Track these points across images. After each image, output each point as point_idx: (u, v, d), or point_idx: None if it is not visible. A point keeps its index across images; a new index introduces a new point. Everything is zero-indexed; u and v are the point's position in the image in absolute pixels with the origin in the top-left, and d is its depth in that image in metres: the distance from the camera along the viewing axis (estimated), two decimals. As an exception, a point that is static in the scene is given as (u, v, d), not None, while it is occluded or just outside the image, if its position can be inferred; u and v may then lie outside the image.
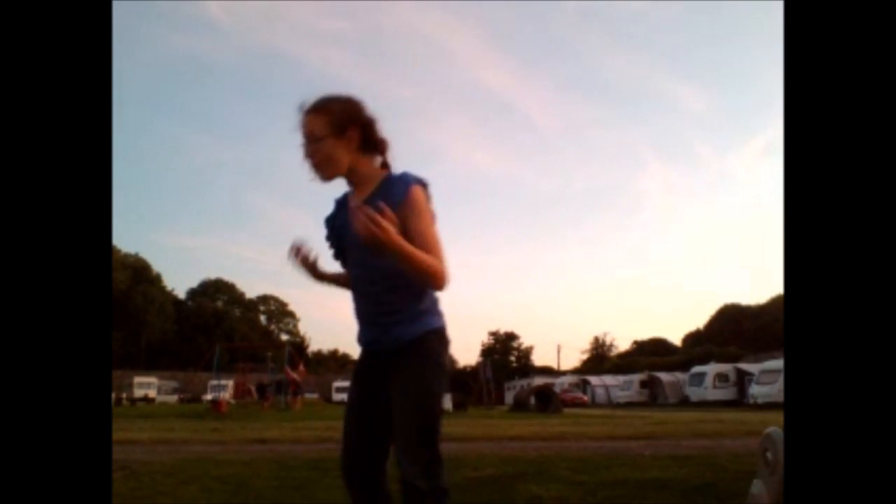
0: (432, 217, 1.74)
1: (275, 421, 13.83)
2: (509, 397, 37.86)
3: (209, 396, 31.68)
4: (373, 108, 1.84)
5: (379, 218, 1.54)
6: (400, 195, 1.73)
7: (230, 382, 36.97)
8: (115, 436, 6.97)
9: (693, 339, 68.24)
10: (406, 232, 1.65)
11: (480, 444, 8.21)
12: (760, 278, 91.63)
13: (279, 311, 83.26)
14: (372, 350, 1.91)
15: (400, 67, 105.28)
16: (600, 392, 44.00)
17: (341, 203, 1.98)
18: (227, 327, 71.92)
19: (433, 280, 1.68)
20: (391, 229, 1.55)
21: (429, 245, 1.66)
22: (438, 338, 1.83)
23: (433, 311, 1.84)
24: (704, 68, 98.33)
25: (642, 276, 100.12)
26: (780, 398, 22.82)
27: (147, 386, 47.97)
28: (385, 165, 1.88)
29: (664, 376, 40.63)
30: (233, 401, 27.25)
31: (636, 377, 42.06)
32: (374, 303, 1.84)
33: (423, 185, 1.77)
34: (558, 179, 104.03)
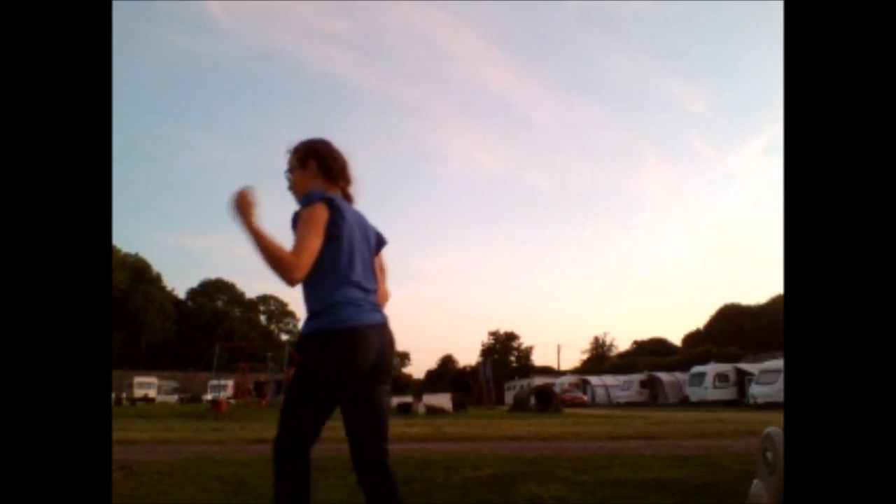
0: (316, 227, 1.94)
1: (275, 421, 13.82)
2: (509, 397, 37.82)
3: (209, 396, 31.68)
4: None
5: (242, 198, 1.93)
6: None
7: (230, 382, 36.92)
8: (115, 436, 6.98)
9: (693, 339, 68.15)
10: None
11: (480, 444, 8.21)
12: (760, 278, 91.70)
13: (279, 311, 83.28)
14: None
15: (400, 67, 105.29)
16: (600, 392, 43.94)
17: None
18: (227, 327, 71.92)
19: (279, 268, 1.85)
20: (246, 213, 1.90)
21: (295, 245, 1.90)
22: (316, 341, 1.93)
23: (326, 312, 1.94)
24: (704, 68, 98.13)
25: (642, 276, 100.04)
26: (780, 398, 22.81)
27: (147, 386, 47.95)
28: (347, 195, 2.19)
29: (664, 376, 40.59)
30: (233, 401, 27.25)
31: (636, 377, 41.99)
32: None
33: (323, 200, 2.00)
34: (558, 179, 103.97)
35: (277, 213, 2.15)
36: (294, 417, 1.99)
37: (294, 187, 2.18)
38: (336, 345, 1.92)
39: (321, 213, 1.96)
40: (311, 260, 1.90)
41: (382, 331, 2.04)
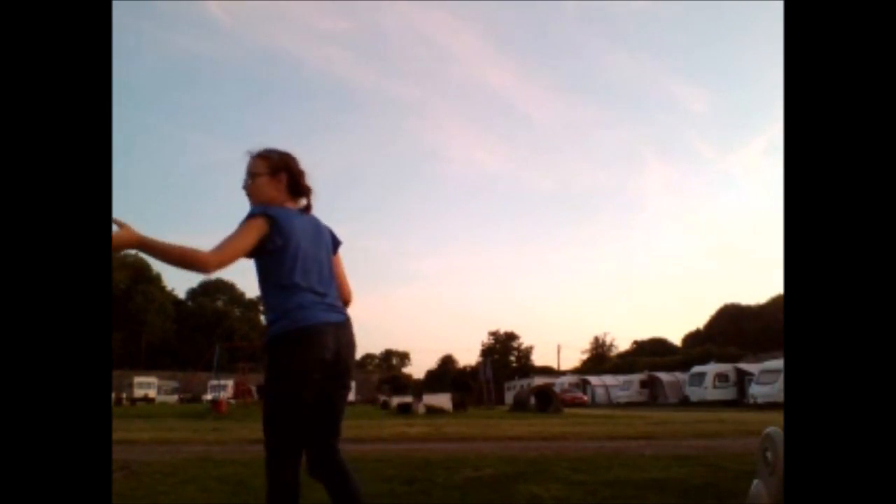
0: (248, 233, 2.02)
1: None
2: (509, 397, 37.80)
3: (209, 396, 31.67)
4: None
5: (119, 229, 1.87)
6: None
7: (230, 382, 36.93)
8: (115, 436, 6.97)
9: (693, 339, 68.13)
10: None
11: (480, 444, 8.22)
12: (760, 278, 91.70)
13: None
14: None
15: (400, 67, 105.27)
16: (600, 392, 43.91)
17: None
18: (227, 327, 71.91)
19: (191, 266, 1.91)
20: (124, 236, 1.86)
21: (221, 242, 1.98)
22: (275, 344, 2.02)
23: (285, 316, 2.02)
24: (704, 68, 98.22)
25: (642, 276, 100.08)
26: (780, 398, 22.80)
27: (147, 386, 47.96)
28: (308, 208, 2.26)
29: (664, 376, 40.58)
30: (233, 401, 27.25)
31: (636, 377, 41.97)
32: None
33: (264, 215, 2.06)
34: (558, 179, 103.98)
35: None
36: (273, 423, 2.04)
37: (254, 192, 2.20)
38: (293, 344, 2.00)
39: (260, 225, 2.04)
40: (232, 255, 1.97)
41: (340, 329, 2.10)
